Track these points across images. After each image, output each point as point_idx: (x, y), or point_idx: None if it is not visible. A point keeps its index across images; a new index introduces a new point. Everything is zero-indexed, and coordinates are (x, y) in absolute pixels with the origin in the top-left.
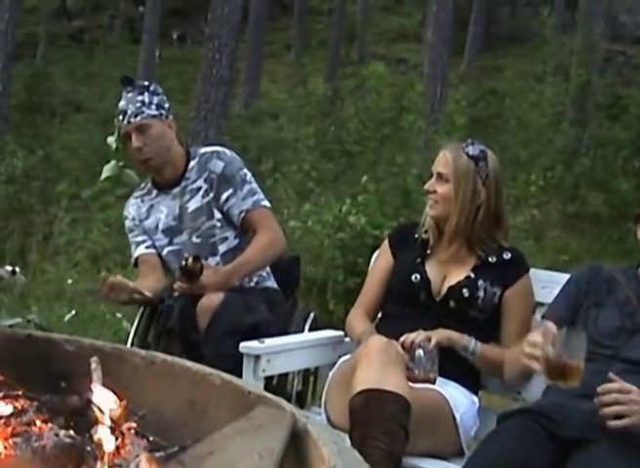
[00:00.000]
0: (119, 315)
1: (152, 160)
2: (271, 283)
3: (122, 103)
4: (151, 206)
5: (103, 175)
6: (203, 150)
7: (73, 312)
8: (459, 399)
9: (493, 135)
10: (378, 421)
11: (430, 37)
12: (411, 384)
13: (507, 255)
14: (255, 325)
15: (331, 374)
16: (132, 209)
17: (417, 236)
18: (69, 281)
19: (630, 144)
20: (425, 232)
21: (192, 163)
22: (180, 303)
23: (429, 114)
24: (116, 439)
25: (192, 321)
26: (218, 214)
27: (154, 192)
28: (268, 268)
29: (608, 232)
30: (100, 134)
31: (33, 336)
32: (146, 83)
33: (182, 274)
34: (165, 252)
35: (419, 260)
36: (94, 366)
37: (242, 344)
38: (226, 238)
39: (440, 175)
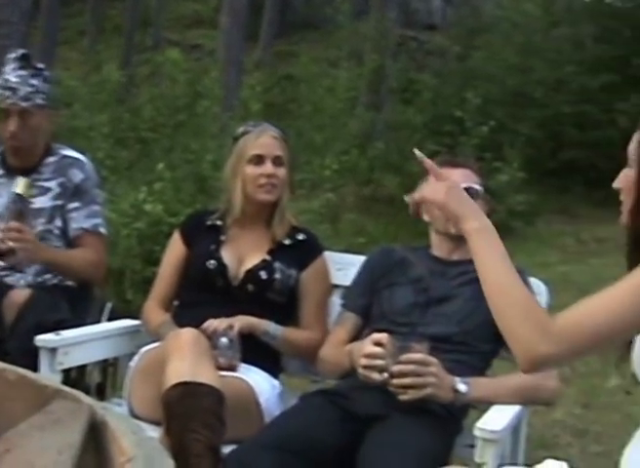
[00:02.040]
0: None
1: (19, 147)
2: (72, 282)
3: (12, 79)
4: None
5: None
6: (66, 152)
7: None
8: (261, 384)
9: (288, 120)
10: (196, 414)
11: (225, 23)
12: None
13: (301, 237)
14: (58, 322)
15: (132, 364)
16: None
17: (209, 223)
18: None
19: (424, 128)
20: (220, 219)
21: (50, 159)
22: None
23: (225, 100)
24: None
25: None
26: (58, 222)
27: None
28: None
29: (403, 214)
30: None
31: None
32: (42, 66)
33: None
34: None
35: (213, 247)
36: None
37: (37, 337)
38: (56, 247)
39: (278, 159)
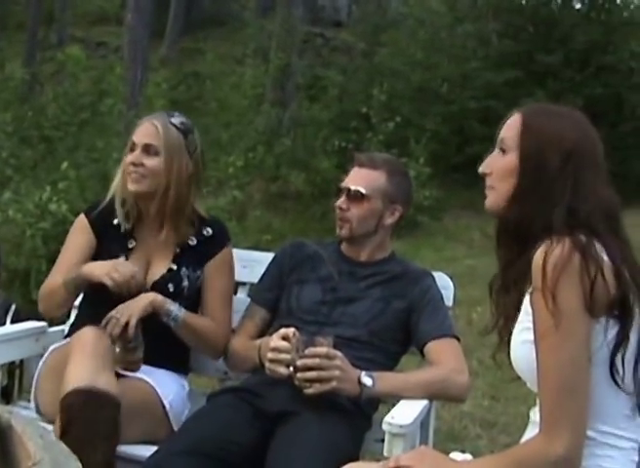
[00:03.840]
0: None
1: None
2: None
3: None
4: None
5: None
6: None
7: None
8: (167, 385)
9: (194, 117)
10: (97, 425)
11: (130, 19)
12: (120, 371)
13: (208, 231)
14: None
15: (41, 364)
16: None
17: (117, 222)
18: None
19: (330, 124)
20: (126, 219)
21: None
22: None
23: (130, 98)
24: None
25: None
26: None
27: None
28: None
29: (310, 210)
30: None
31: None
32: None
33: None
34: None
35: (122, 256)
36: None
37: None
38: None
39: (148, 147)
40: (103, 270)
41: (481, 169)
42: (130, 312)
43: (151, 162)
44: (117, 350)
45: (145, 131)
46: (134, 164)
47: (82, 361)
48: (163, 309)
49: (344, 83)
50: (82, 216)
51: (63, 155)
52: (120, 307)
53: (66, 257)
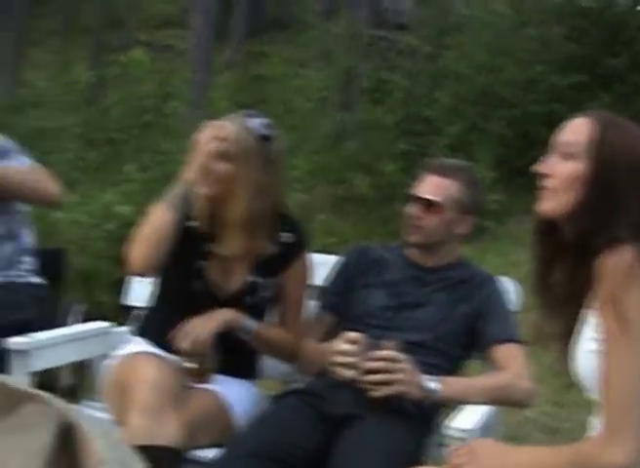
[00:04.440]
0: None
1: None
2: (37, 278)
3: None
4: None
5: None
6: None
7: None
8: (236, 393)
9: None
10: None
11: (195, 23)
12: (190, 382)
13: (288, 239)
14: (24, 322)
15: (107, 369)
16: None
17: (193, 224)
18: None
19: (394, 127)
20: (202, 222)
21: None
22: None
23: (194, 100)
24: None
25: None
26: None
27: None
28: (33, 263)
29: (374, 214)
30: None
31: None
32: None
33: None
34: None
35: (200, 264)
36: None
37: (9, 340)
38: None
39: (220, 152)
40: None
41: (541, 169)
42: (204, 328)
43: (222, 167)
44: (188, 365)
45: (227, 134)
46: (206, 168)
47: (141, 409)
48: (238, 326)
49: (409, 86)
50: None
51: (128, 157)
52: (194, 322)
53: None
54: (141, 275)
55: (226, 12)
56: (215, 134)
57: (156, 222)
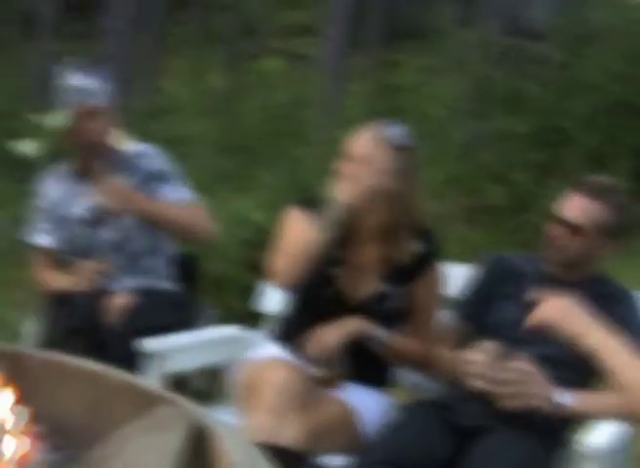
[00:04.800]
0: (16, 315)
1: (95, 146)
2: (173, 285)
3: (77, 82)
4: (70, 192)
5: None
6: (131, 147)
7: None
8: (365, 401)
9: None
10: None
11: (329, 31)
12: (319, 389)
13: (421, 249)
14: (161, 327)
15: (236, 371)
16: (50, 189)
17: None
18: None
19: (528, 137)
20: (338, 229)
21: (118, 158)
22: (89, 301)
23: (328, 108)
24: (15, 442)
25: (99, 320)
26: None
27: (74, 179)
28: (169, 269)
29: (505, 224)
30: None
31: None
32: (100, 68)
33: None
34: (78, 244)
35: (333, 270)
36: None
37: (143, 342)
38: (140, 240)
39: (364, 160)
40: None
41: None
42: (334, 336)
43: (367, 176)
44: (318, 371)
45: (366, 144)
46: (351, 176)
47: (266, 409)
48: (368, 335)
49: (543, 96)
50: (296, 211)
51: (262, 164)
52: (325, 329)
53: (291, 241)
54: (283, 288)
55: (361, 20)
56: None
57: (305, 239)
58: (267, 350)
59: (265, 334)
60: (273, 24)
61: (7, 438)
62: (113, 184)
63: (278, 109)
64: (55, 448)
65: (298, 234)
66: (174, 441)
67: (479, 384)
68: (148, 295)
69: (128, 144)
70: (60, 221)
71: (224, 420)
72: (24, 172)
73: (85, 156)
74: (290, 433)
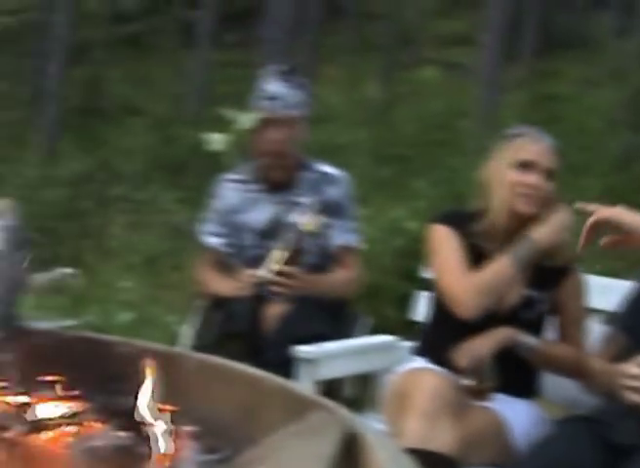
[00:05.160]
0: (174, 317)
1: (281, 158)
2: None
3: (277, 89)
4: (248, 200)
5: (211, 145)
6: (322, 168)
7: (130, 314)
8: (516, 412)
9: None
10: None
11: (485, 41)
12: (469, 400)
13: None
14: (316, 335)
15: (387, 380)
16: (229, 193)
17: (472, 241)
18: (124, 283)
19: None
20: (491, 238)
21: (305, 174)
22: (249, 307)
23: (484, 118)
24: (170, 442)
25: (256, 326)
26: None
27: (254, 187)
28: None
29: None
30: (154, 137)
31: (87, 338)
32: (303, 79)
33: (287, 260)
34: (247, 253)
35: None
36: (148, 368)
37: (298, 348)
38: (311, 264)
39: (550, 172)
40: None
41: None
42: (483, 346)
43: (549, 187)
44: (468, 382)
45: (546, 153)
46: (533, 187)
47: (419, 414)
48: (517, 343)
49: None
50: (442, 227)
51: (417, 173)
52: (473, 339)
53: (453, 260)
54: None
55: (516, 29)
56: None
57: (499, 276)
58: (417, 363)
59: (412, 348)
60: (429, 33)
61: (162, 437)
62: (295, 281)
63: (433, 119)
64: (208, 450)
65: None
66: (326, 446)
67: (638, 399)
68: (304, 304)
69: (318, 163)
70: (234, 227)
71: (376, 428)
72: (212, 169)
73: (267, 164)
74: (442, 439)
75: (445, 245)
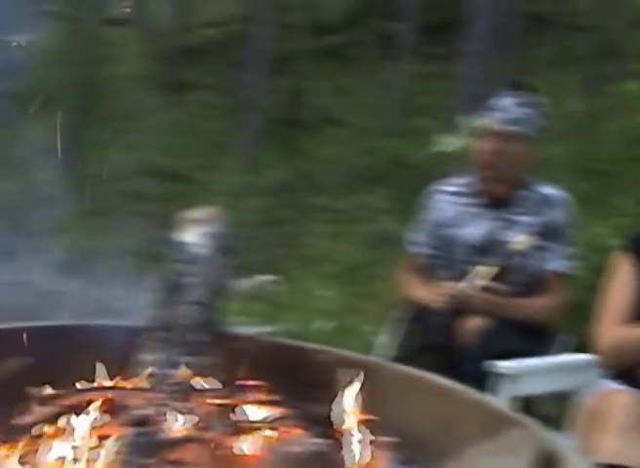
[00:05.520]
0: (371, 327)
1: (499, 172)
2: None
3: (502, 102)
4: (465, 214)
5: (441, 146)
6: (546, 190)
7: (328, 323)
8: None
9: None
10: None
11: None
12: None
13: None
14: (514, 351)
15: (582, 399)
16: (444, 205)
17: None
18: (322, 292)
19: None
20: None
21: (524, 193)
22: (448, 320)
23: None
24: (366, 451)
25: (455, 339)
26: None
27: (473, 200)
28: None
29: None
30: (355, 148)
31: (287, 344)
32: (536, 98)
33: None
34: (457, 266)
35: None
36: (352, 377)
37: (497, 364)
38: (512, 282)
39: None
40: None
41: None
42: None
43: None
44: None
45: None
46: None
47: (614, 430)
48: None
49: None
50: (628, 255)
51: (620, 190)
52: None
53: (615, 299)
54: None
55: None
56: None
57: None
58: (610, 384)
59: (603, 371)
60: (634, 45)
61: (358, 446)
62: (501, 290)
63: (638, 133)
64: (405, 461)
65: (621, 296)
66: (521, 465)
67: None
68: (504, 320)
69: (540, 184)
70: (445, 241)
71: (573, 447)
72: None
73: (482, 176)
74: (637, 454)
75: (619, 278)
